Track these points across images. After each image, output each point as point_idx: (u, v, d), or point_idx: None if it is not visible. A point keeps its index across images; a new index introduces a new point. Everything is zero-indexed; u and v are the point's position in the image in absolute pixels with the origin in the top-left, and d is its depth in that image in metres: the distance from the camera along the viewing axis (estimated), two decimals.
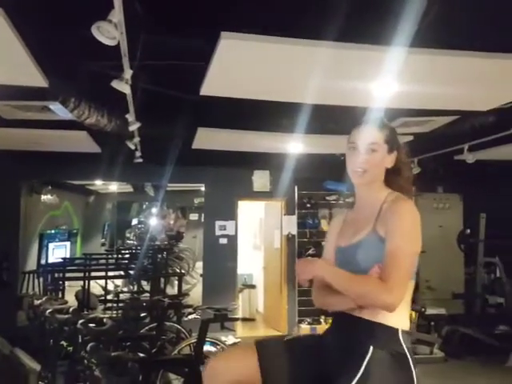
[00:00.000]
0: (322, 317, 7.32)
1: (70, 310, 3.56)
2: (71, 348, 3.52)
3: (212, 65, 2.74)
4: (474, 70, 2.85)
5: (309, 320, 7.37)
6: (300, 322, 7.44)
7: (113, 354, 3.43)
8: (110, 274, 6.90)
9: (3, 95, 3.41)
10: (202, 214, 8.41)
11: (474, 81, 3.08)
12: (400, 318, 1.66)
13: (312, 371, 1.76)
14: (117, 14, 1.97)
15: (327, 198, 7.60)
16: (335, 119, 4.21)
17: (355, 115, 2.55)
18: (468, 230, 7.56)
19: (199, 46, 2.88)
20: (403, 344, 1.63)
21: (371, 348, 1.60)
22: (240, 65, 2.86)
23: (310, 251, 7.48)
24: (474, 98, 3.51)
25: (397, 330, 1.64)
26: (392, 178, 1.83)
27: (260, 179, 7.56)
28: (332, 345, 1.75)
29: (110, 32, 2.02)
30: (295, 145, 5.35)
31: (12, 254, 6.63)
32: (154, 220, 12.71)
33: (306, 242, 7.57)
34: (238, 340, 6.68)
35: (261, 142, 5.31)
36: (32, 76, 2.84)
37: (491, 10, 2.31)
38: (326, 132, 4.64)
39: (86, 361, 3.27)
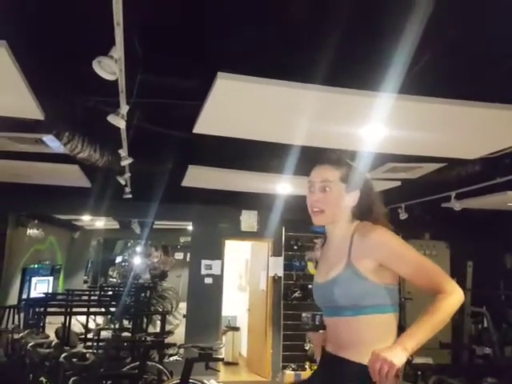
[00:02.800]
0: (307, 363, 7.17)
1: (52, 344, 3.48)
2: None
3: (206, 104, 2.79)
4: (462, 118, 2.94)
5: (293, 366, 7.21)
6: (284, 367, 7.27)
7: None
8: (92, 310, 6.74)
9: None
10: (188, 254, 8.35)
11: (462, 129, 3.17)
12: None
13: None
14: (118, 51, 2.02)
15: (315, 240, 7.59)
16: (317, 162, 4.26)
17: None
18: (455, 278, 7.54)
19: (195, 85, 2.95)
20: None
21: None
22: (234, 105, 2.92)
23: (296, 294, 7.42)
24: (461, 146, 3.60)
25: None
26: (365, 216, 1.79)
27: (248, 219, 7.56)
28: None
29: (110, 67, 2.06)
30: (284, 186, 5.39)
31: None
32: (138, 258, 12.55)
33: (292, 284, 7.51)
34: None
35: (250, 182, 5.35)
36: (29, 108, 2.88)
37: (479, 61, 2.41)
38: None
39: None
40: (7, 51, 2.18)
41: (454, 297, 1.56)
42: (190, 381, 3.90)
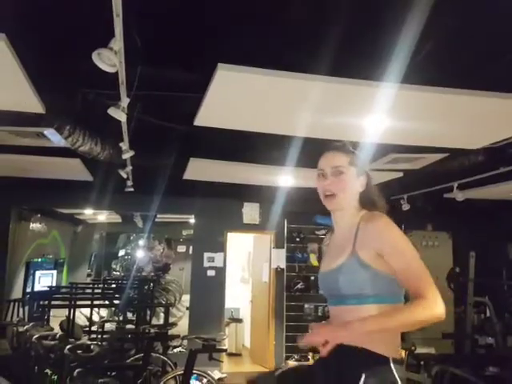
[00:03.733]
0: (310, 353, 7.20)
1: (57, 336, 3.50)
2: (56, 377, 3.44)
3: (207, 96, 2.78)
4: (465, 108, 2.92)
5: (296, 356, 7.24)
6: (287, 358, 7.31)
7: (100, 380, 3.36)
8: (96, 303, 6.78)
9: (0, 121, 3.43)
10: (190, 247, 8.36)
11: (465, 119, 3.15)
12: (390, 347, 1.65)
13: None
14: (117, 42, 2.01)
15: (317, 232, 7.61)
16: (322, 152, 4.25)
17: None
18: (457, 269, 7.56)
19: (195, 77, 2.94)
20: (395, 373, 1.61)
21: (363, 376, 1.58)
22: (235, 97, 2.91)
23: (299, 285, 7.44)
24: (464, 136, 3.59)
25: (388, 358, 1.62)
26: (370, 206, 1.83)
27: (250, 211, 7.56)
28: (323, 374, 1.73)
29: (110, 59, 2.05)
30: (286, 178, 5.38)
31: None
32: (141, 251, 12.58)
33: (294, 276, 7.53)
34: (224, 375, 6.56)
35: (252, 175, 5.35)
36: (30, 102, 2.87)
37: (482, 49, 2.39)
38: (316, 166, 4.67)
39: None
40: (6, 44, 2.17)
41: (430, 310, 1.53)
42: (194, 372, 3.93)
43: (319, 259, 7.40)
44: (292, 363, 7.16)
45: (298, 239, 7.62)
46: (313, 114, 3.11)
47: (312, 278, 7.37)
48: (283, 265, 7.56)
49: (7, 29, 2.14)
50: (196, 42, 2.67)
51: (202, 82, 2.71)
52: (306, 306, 7.49)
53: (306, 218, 7.37)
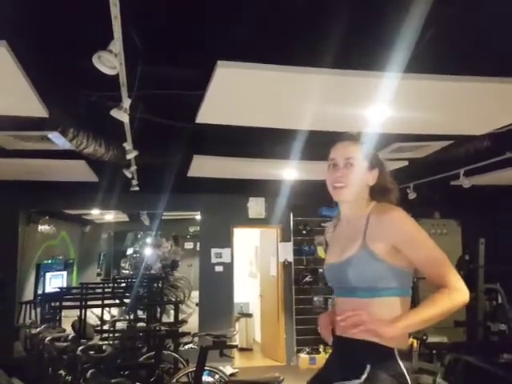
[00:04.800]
0: (321, 346, 7.22)
1: (69, 337, 3.53)
2: (70, 377, 3.47)
3: (208, 93, 2.78)
4: (468, 94, 2.90)
5: (308, 349, 7.27)
6: (298, 351, 7.33)
7: (113, 381, 3.39)
8: (107, 302, 6.83)
9: (4, 126, 3.44)
10: (198, 243, 8.39)
11: (468, 105, 3.13)
12: (396, 338, 1.61)
13: None
14: (117, 44, 2.01)
15: (323, 224, 7.59)
16: (330, 145, 4.24)
17: None
18: (467, 256, 7.52)
19: (195, 74, 2.93)
20: (400, 364, 1.61)
21: (368, 367, 1.59)
22: (236, 93, 2.90)
23: (307, 278, 7.44)
24: (468, 122, 3.56)
25: (392, 349, 1.62)
26: (382, 197, 1.80)
27: (255, 206, 7.57)
28: (334, 368, 1.74)
29: (110, 61, 2.05)
30: (290, 171, 5.38)
31: (9, 284, 6.57)
32: (148, 249, 12.64)
33: (302, 269, 7.53)
34: (236, 370, 6.59)
35: (256, 169, 5.34)
36: (33, 106, 2.88)
37: (484, 35, 2.37)
38: (320, 158, 4.66)
39: None
40: (7, 50, 2.17)
41: (458, 295, 1.56)
42: (206, 368, 3.94)
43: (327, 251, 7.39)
44: (303, 356, 7.18)
45: (304, 232, 7.61)
46: (316, 107, 3.10)
47: (320, 270, 7.37)
48: (291, 258, 7.57)
49: (7, 34, 2.14)
50: (196, 38, 2.66)
51: (202, 79, 2.70)
52: (315, 298, 7.49)
53: (312, 211, 7.37)
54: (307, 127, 3.61)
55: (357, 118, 3.29)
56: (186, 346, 6.70)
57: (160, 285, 8.66)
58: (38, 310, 6.86)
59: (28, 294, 7.75)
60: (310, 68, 2.48)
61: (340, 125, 3.51)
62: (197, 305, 7.81)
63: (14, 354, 6.00)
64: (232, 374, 6.26)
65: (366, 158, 1.78)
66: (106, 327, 6.27)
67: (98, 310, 6.94)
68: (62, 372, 3.63)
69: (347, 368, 1.64)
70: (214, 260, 7.36)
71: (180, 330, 5.25)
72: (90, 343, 3.67)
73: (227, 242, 7.44)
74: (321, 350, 7.21)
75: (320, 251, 7.53)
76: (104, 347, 3.46)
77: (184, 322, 5.78)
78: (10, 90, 2.71)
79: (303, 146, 4.05)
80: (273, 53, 2.48)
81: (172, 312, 7.15)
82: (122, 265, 13.00)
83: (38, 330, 4.12)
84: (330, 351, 1.88)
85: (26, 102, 2.84)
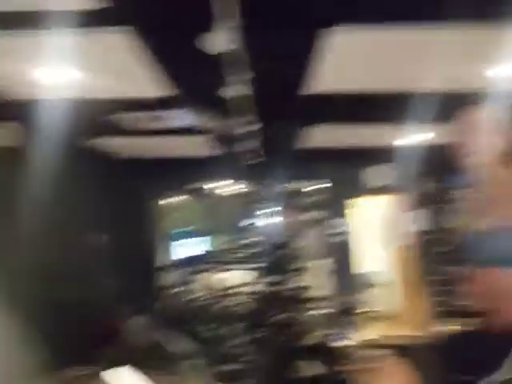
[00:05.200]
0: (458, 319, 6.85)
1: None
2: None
3: (326, 60, 2.72)
4: None
5: (446, 320, 6.96)
6: (436, 321, 7.04)
7: None
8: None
9: (135, 107, 3.73)
10: (321, 212, 8.41)
11: None
12: None
13: None
14: (220, 24, 2.05)
15: (454, 192, 7.11)
16: (459, 107, 3.92)
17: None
18: None
19: (309, 43, 2.85)
20: None
21: None
22: (355, 58, 2.81)
23: (441, 248, 7.08)
24: None
25: None
26: None
27: (381, 174, 7.32)
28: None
29: (217, 42, 2.10)
30: (415, 136, 5.13)
31: (150, 253, 7.25)
32: (273, 219, 12.94)
33: (435, 239, 7.16)
34: (372, 337, 6.55)
35: (378, 136, 5.20)
36: (161, 87, 3.08)
37: None
38: (448, 121, 4.34)
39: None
40: (136, 36, 2.33)
41: None
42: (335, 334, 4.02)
43: (460, 220, 6.97)
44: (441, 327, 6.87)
45: (438, 199, 7.20)
46: (446, 66, 2.89)
47: (454, 240, 6.94)
48: (422, 227, 7.22)
49: (135, 20, 2.28)
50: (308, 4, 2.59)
51: (318, 46, 2.64)
52: (450, 269, 7.10)
53: (442, 178, 6.92)
54: (436, 88, 3.37)
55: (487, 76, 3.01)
56: (314, 311, 6.85)
57: (287, 252, 8.94)
58: (175, 273, 7.42)
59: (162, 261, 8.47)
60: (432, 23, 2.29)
61: (470, 84, 3.25)
62: (325, 273, 7.89)
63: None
64: (365, 340, 6.25)
65: (497, 121, 1.71)
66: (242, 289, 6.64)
67: (233, 274, 7.38)
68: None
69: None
70: (338, 230, 7.33)
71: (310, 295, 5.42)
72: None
73: (351, 212, 7.34)
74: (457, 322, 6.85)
75: (453, 220, 7.08)
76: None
77: (311, 288, 5.98)
78: (138, 73, 2.90)
79: (431, 108, 3.79)
80: (393, 13, 2.32)
81: (301, 278, 7.35)
82: (248, 234, 13.49)
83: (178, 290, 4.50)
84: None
85: (154, 84, 3.04)
